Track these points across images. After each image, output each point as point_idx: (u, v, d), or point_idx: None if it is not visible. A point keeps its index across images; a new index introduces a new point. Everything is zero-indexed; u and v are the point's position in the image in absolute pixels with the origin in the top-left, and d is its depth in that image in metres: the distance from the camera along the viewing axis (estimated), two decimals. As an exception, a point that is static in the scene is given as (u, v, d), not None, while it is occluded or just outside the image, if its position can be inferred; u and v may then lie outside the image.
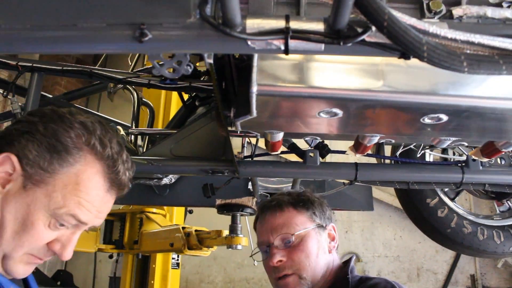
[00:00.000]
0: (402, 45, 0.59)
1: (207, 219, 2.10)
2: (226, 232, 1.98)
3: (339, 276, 1.35)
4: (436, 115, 0.86)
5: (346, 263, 1.39)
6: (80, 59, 5.56)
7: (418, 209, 1.92)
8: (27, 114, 0.96)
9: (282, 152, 1.46)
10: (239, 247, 1.92)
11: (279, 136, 1.01)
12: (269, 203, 1.37)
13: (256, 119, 0.88)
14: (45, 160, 0.87)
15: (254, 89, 0.76)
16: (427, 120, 0.88)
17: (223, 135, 1.04)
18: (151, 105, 1.97)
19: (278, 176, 1.64)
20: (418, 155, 1.59)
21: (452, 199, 2.02)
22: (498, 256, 1.95)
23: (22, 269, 0.93)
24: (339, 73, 0.79)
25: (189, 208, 3.33)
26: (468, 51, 0.63)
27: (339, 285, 1.32)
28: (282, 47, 0.61)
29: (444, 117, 0.87)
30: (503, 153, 1.17)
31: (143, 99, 1.92)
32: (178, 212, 3.04)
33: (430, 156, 1.77)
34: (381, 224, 4.47)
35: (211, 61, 0.65)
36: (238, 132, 1.02)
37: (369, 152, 1.44)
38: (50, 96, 2.03)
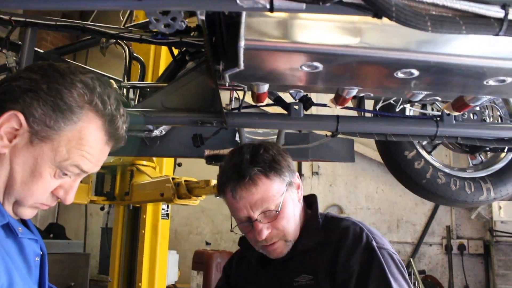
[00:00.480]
0: (374, 6, 0.66)
1: (195, 172, 2.19)
2: (214, 182, 2.08)
3: (308, 218, 1.43)
4: (408, 70, 0.94)
5: (311, 205, 1.46)
6: (67, 14, 5.48)
7: (396, 161, 2.03)
8: (27, 70, 1.03)
9: (268, 105, 1.55)
10: (227, 196, 2.02)
11: (265, 88, 1.09)
12: (238, 178, 1.30)
13: (243, 72, 0.95)
14: (50, 119, 0.96)
15: (242, 43, 0.83)
16: (400, 75, 0.96)
17: (213, 87, 1.11)
18: (142, 59, 2.01)
19: (263, 127, 1.72)
20: (397, 110, 1.68)
21: (429, 152, 2.14)
22: (468, 205, 2.08)
23: (30, 212, 1.05)
24: (320, 30, 0.86)
25: (178, 161, 3.43)
26: (433, 12, 0.70)
27: (310, 227, 1.40)
28: (268, 6, 0.68)
29: (416, 72, 0.95)
30: (472, 107, 1.26)
31: (134, 54, 1.96)
32: (167, 165, 3.11)
33: (410, 111, 1.87)
34: (364, 178, 4.63)
35: (203, 17, 0.72)
36: (227, 85, 1.09)
37: (350, 105, 1.55)
38: (41, 51, 2.06)
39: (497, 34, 0.72)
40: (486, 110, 1.71)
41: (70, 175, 1.02)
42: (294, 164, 1.41)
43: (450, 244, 4.43)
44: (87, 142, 1.00)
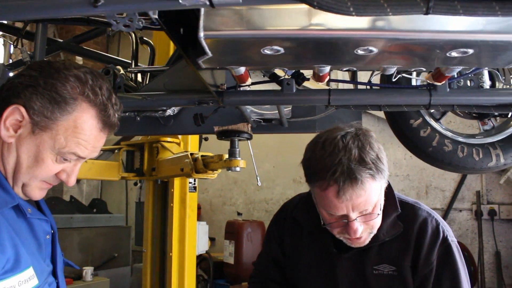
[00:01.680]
0: (297, -4, 0.72)
1: (223, 145, 2.27)
2: (226, 156, 2.18)
3: (386, 205, 1.43)
4: (366, 47, 0.99)
5: None
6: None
7: (402, 130, 2.04)
8: (28, 68, 1.19)
9: (263, 82, 1.62)
10: (238, 169, 2.12)
11: (241, 70, 1.16)
12: (350, 179, 1.25)
13: (214, 58, 1.03)
14: (48, 110, 1.10)
15: (202, 34, 0.91)
16: (360, 52, 1.01)
17: (193, 70, 1.19)
18: (152, 43, 2.11)
19: (258, 104, 1.79)
20: (394, 80, 1.70)
21: (438, 120, 2.14)
22: (477, 171, 2.08)
23: (38, 193, 1.20)
24: (274, 16, 0.92)
25: (204, 136, 3.54)
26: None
27: (390, 216, 1.45)
28: (207, 2, 0.75)
29: (374, 49, 1.00)
30: (448, 77, 1.29)
31: (144, 38, 2.07)
32: (192, 140, 3.22)
33: (417, 81, 1.87)
34: (392, 145, 4.60)
35: (156, 16, 0.80)
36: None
37: (344, 78, 1.59)
38: (61, 40, 2.21)
39: (426, 13, 0.76)
40: (483, 76, 1.70)
41: (69, 160, 1.16)
42: None
43: (480, 210, 4.38)
44: (82, 130, 1.13)
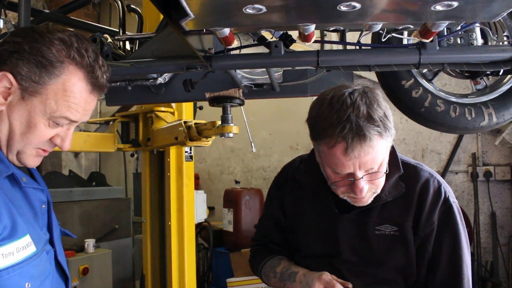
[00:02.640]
0: None
1: (218, 114, 2.26)
2: (219, 123, 2.18)
3: (388, 162, 1.42)
4: (349, 3, 0.98)
5: None
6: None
7: (394, 91, 2.04)
8: (11, 35, 1.18)
9: (252, 45, 1.60)
10: (231, 135, 2.12)
11: (226, 31, 1.15)
12: (358, 137, 1.24)
13: (197, 19, 1.02)
14: (35, 75, 1.10)
15: (181, -6, 0.90)
16: (343, 8, 1.00)
17: (179, 35, 1.18)
18: (139, 11, 2.09)
19: (247, 67, 1.77)
20: (384, 40, 1.68)
21: (430, 80, 2.13)
22: (469, 131, 2.08)
23: (33, 161, 1.20)
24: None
25: (198, 105, 3.54)
26: None
27: (393, 176, 1.46)
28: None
29: (357, 5, 0.99)
30: (436, 33, 1.27)
31: (131, 6, 2.04)
32: (187, 109, 3.20)
33: (408, 41, 1.86)
34: (387, 110, 4.61)
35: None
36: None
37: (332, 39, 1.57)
38: (47, 11, 2.18)
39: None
40: (474, 34, 1.68)
41: (62, 125, 1.16)
42: None
43: (476, 172, 4.41)
44: (71, 93, 1.13)
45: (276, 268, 1.64)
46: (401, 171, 1.49)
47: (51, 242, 1.26)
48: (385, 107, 1.34)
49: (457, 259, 1.45)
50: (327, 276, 1.45)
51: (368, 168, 1.32)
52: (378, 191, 1.43)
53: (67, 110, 1.13)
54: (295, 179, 1.66)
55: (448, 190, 1.51)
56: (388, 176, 1.44)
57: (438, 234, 1.46)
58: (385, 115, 1.31)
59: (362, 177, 1.32)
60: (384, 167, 1.37)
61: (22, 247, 1.08)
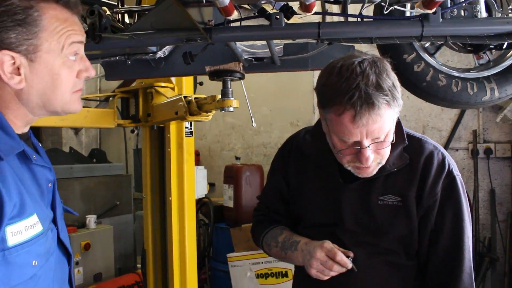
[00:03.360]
0: None
1: (218, 89, 2.25)
2: (219, 97, 2.16)
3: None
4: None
5: None
6: None
7: (396, 65, 2.02)
8: None
9: (251, 17, 1.58)
10: (231, 109, 2.11)
11: (225, 1, 1.13)
12: (367, 104, 1.25)
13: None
14: (24, 33, 1.09)
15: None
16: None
17: (179, 7, 1.16)
18: (138, -19, 2.05)
19: (247, 40, 1.76)
20: (386, 12, 1.66)
21: (432, 54, 2.11)
22: (471, 106, 2.07)
23: (78, 105, 1.23)
24: None
25: (199, 80, 3.52)
26: None
27: (398, 147, 1.48)
28: None
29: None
30: (440, 2, 1.25)
31: (130, -24, 2.00)
32: (187, 85, 3.18)
33: (411, 13, 1.83)
34: (389, 87, 4.59)
35: None
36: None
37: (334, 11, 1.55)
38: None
39: None
40: (478, 6, 1.66)
41: (76, 53, 1.18)
42: None
43: (476, 149, 4.40)
44: (60, 24, 1.14)
45: (277, 237, 1.65)
46: (406, 143, 1.51)
47: (54, 220, 1.26)
48: (393, 77, 1.36)
49: (459, 230, 1.47)
50: (328, 244, 1.47)
51: (375, 137, 1.33)
52: (383, 162, 1.43)
53: (69, 37, 1.14)
54: (299, 150, 1.67)
55: (452, 163, 1.53)
56: (393, 147, 1.45)
57: (441, 206, 1.48)
58: (394, 85, 1.33)
59: (368, 146, 1.33)
60: (390, 138, 1.38)
61: (30, 226, 1.08)
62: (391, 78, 1.34)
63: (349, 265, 1.44)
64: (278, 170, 1.74)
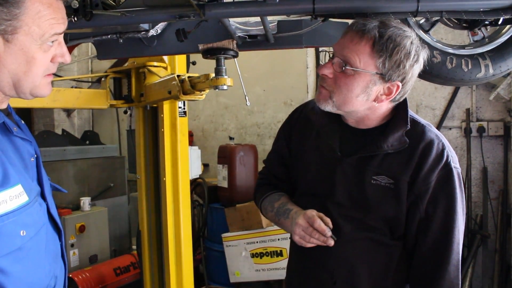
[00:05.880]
0: None
1: (211, 69, 2.22)
2: (212, 75, 2.14)
3: (396, 119, 1.55)
4: None
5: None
6: None
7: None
8: None
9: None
10: (225, 87, 2.08)
11: (219, -26, 1.11)
12: (359, 26, 1.44)
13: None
14: (3, 13, 1.08)
15: None
16: None
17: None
18: (128, -43, 2.00)
19: (241, 16, 1.72)
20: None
21: (427, 31, 2.10)
22: (466, 83, 2.06)
23: (47, 89, 1.23)
24: None
25: (192, 60, 3.48)
26: None
27: (398, 129, 1.53)
28: None
29: None
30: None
31: (119, -48, 1.95)
32: (180, 64, 3.15)
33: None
34: (382, 66, 4.58)
35: None
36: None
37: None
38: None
39: None
40: (474, -20, 1.64)
41: (53, 44, 1.17)
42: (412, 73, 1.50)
43: (469, 127, 4.42)
44: (44, 10, 1.12)
45: (274, 203, 1.70)
46: (408, 127, 1.52)
47: (42, 196, 1.26)
48: (406, 57, 1.44)
49: (450, 222, 1.50)
50: (311, 212, 1.51)
51: (344, 55, 1.45)
52: (335, 100, 1.49)
53: (51, 26, 1.14)
54: (306, 118, 1.71)
55: (451, 155, 1.53)
56: (394, 129, 1.51)
57: (433, 196, 1.49)
58: (393, 49, 1.42)
59: (333, 59, 1.47)
60: (351, 74, 1.45)
61: (15, 196, 1.08)
62: (403, 43, 1.43)
63: (328, 233, 1.48)
64: (282, 135, 1.79)
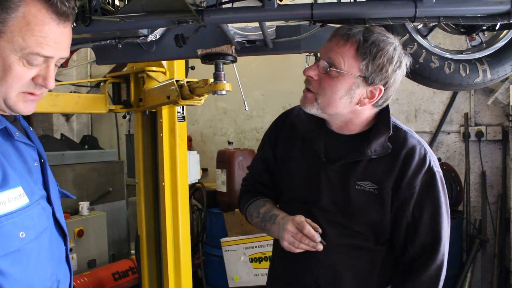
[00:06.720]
0: None
1: (210, 74, 2.23)
2: (211, 80, 2.14)
3: (379, 125, 1.58)
4: None
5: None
6: None
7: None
8: None
9: (244, -1, 1.56)
10: (223, 92, 2.08)
11: (217, -20, 1.11)
12: (344, 30, 1.48)
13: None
14: None
15: None
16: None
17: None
18: (127, -37, 2.01)
19: (240, 21, 1.73)
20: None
21: (425, 36, 2.10)
22: (464, 88, 2.07)
23: (24, 107, 1.18)
24: None
25: (190, 65, 3.49)
26: None
27: (380, 134, 1.55)
28: None
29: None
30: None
31: (119, -42, 1.96)
32: (179, 69, 3.16)
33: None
34: (381, 71, 4.59)
35: None
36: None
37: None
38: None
39: None
40: (471, -14, 1.65)
41: (38, 63, 1.13)
42: (395, 79, 1.57)
43: (468, 132, 4.43)
44: (35, 26, 1.09)
45: (260, 209, 1.72)
46: (390, 132, 1.55)
47: (48, 200, 1.26)
48: (389, 61, 1.49)
49: (436, 225, 1.53)
50: (300, 218, 1.53)
51: (329, 57, 1.48)
52: (320, 101, 1.51)
53: (37, 45, 1.10)
54: (292, 124, 1.73)
55: (433, 159, 1.57)
56: (377, 134, 1.53)
57: (418, 200, 1.53)
58: (382, 62, 1.46)
59: (319, 61, 1.51)
60: (335, 76, 1.48)
61: (14, 198, 1.08)
62: (386, 58, 1.47)
63: (317, 238, 1.50)
64: (268, 142, 1.81)
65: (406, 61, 1.57)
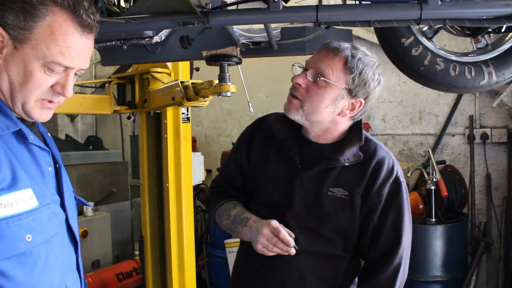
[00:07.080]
0: None
1: (215, 75, 2.23)
2: (216, 82, 2.15)
3: (351, 135, 1.68)
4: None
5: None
6: None
7: (393, 49, 2.01)
8: None
9: (249, 0, 1.57)
10: (228, 94, 2.10)
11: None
12: (334, 44, 1.59)
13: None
14: (21, 21, 1.10)
15: None
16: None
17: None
18: (133, -36, 2.02)
19: (245, 23, 1.73)
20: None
21: (430, 38, 2.10)
22: (469, 90, 2.07)
23: (39, 114, 1.20)
24: None
25: (195, 66, 3.49)
26: None
27: (353, 144, 1.65)
28: None
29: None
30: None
31: (125, -41, 1.97)
32: (183, 70, 3.16)
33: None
34: (385, 71, 4.52)
35: None
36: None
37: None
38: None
39: None
40: (477, -12, 1.64)
41: (58, 71, 1.16)
42: (374, 95, 1.66)
43: (473, 134, 4.40)
44: (59, 36, 1.12)
45: (230, 211, 1.75)
46: (362, 142, 1.66)
47: (62, 206, 1.26)
48: (374, 68, 1.62)
49: (398, 230, 1.63)
50: (275, 223, 1.58)
51: (318, 67, 1.57)
52: (306, 108, 1.59)
53: (60, 55, 1.13)
54: (267, 130, 1.79)
55: (399, 170, 1.69)
56: (350, 143, 1.65)
57: (384, 207, 1.63)
58: (363, 69, 1.58)
59: (308, 71, 1.58)
60: (323, 86, 1.57)
61: (22, 200, 1.08)
62: (369, 64, 1.60)
63: (292, 243, 1.55)
64: (243, 146, 1.84)
65: (382, 81, 1.68)
